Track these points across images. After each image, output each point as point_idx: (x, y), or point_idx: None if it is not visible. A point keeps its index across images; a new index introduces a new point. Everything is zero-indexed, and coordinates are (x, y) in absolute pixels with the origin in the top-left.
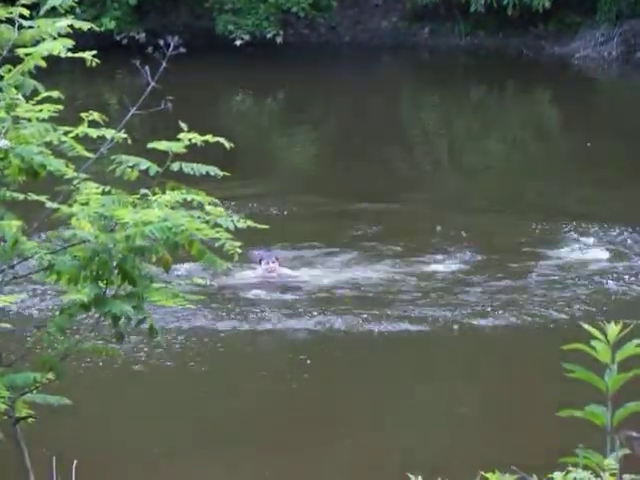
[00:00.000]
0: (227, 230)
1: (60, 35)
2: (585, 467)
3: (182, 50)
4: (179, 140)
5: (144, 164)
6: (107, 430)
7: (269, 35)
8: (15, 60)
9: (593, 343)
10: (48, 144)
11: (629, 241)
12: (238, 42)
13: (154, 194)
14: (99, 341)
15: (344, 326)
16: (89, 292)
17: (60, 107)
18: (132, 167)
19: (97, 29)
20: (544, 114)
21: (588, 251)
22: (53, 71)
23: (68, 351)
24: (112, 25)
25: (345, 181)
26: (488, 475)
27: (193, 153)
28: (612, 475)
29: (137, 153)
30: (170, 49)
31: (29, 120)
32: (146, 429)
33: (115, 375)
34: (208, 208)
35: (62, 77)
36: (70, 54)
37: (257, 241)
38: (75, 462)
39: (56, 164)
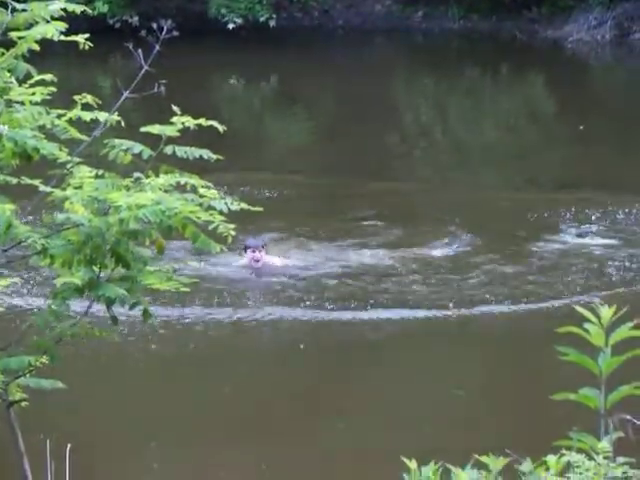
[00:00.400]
0: (221, 213)
1: (53, 18)
2: (579, 450)
3: (175, 33)
4: (172, 124)
5: (137, 147)
6: (101, 414)
7: (262, 18)
8: (8, 43)
9: (587, 326)
10: (41, 127)
11: (625, 224)
12: (231, 25)
13: (147, 177)
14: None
15: (336, 313)
16: (83, 275)
17: (53, 89)
18: (125, 150)
19: (90, 12)
20: (537, 97)
21: (584, 235)
22: (46, 54)
23: (62, 335)
24: (105, 9)
25: (339, 164)
26: (482, 458)
27: (186, 136)
28: (606, 458)
29: (130, 136)
30: (163, 33)
31: (22, 103)
32: (140, 413)
33: (110, 360)
34: (201, 191)
35: (55, 60)
36: (63, 37)
37: (250, 224)
38: (69, 446)
39: (49, 148)
